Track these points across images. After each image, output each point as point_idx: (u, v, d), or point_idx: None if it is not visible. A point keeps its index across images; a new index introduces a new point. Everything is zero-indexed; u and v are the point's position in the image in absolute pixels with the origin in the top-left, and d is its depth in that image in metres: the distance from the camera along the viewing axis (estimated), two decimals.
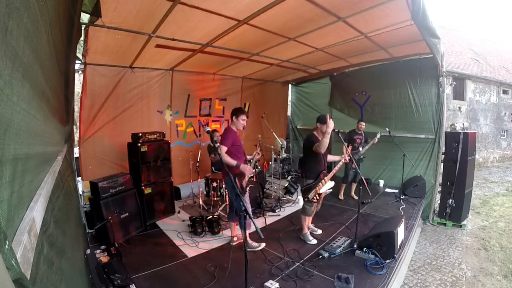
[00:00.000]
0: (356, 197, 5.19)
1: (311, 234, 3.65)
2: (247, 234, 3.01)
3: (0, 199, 0.57)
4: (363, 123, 5.05)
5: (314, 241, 3.47)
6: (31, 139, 1.00)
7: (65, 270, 1.25)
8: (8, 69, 0.61)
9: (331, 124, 3.06)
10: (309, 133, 3.47)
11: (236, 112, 3.17)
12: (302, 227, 3.56)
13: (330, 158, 3.48)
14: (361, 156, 4.94)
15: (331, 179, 3.34)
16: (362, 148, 4.93)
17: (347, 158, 3.34)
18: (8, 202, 0.63)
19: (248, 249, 2.97)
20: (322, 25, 3.46)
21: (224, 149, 3.01)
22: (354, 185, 5.30)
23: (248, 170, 3.09)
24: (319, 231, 3.77)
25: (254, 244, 3.30)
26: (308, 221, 3.59)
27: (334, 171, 3.31)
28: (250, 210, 3.11)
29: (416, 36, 3.62)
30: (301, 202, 4.88)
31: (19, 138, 0.78)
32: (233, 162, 3.02)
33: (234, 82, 6.36)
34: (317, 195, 3.25)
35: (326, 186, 3.29)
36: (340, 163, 3.34)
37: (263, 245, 3.31)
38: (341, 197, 5.19)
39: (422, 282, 3.29)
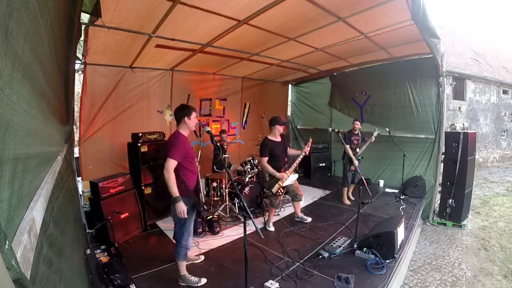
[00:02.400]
0: (353, 198, 5.11)
1: (301, 222, 4.08)
2: (184, 267, 2.63)
3: (0, 199, 0.57)
4: (358, 123, 4.85)
5: (272, 229, 3.86)
6: (31, 139, 1.00)
7: (64, 270, 1.25)
8: (8, 69, 0.61)
9: (284, 179, 3.57)
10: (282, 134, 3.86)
11: (187, 110, 2.49)
12: (269, 215, 3.94)
13: (291, 152, 3.81)
14: (359, 157, 4.72)
15: (296, 172, 3.78)
16: (360, 148, 4.75)
17: (307, 151, 3.67)
18: (8, 202, 0.63)
19: (184, 284, 2.59)
20: (322, 25, 3.46)
21: (171, 164, 2.31)
22: (352, 186, 5.16)
23: (182, 209, 2.34)
24: (309, 219, 4.12)
25: (194, 279, 2.61)
26: (274, 212, 3.99)
27: (294, 165, 3.66)
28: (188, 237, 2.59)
29: (416, 36, 3.62)
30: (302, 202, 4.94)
31: (19, 138, 0.78)
32: (175, 191, 2.33)
33: (234, 82, 6.36)
34: (281, 189, 3.62)
35: (290, 179, 3.63)
36: (300, 157, 3.66)
37: (203, 280, 2.63)
38: (346, 201, 4.98)
39: (422, 282, 3.29)
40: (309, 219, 4.12)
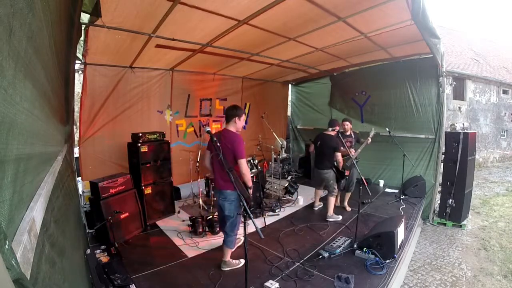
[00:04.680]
0: (349, 209, 4.59)
1: (302, 222, 4.16)
2: (230, 253, 2.93)
3: (2, 199, 0.57)
4: (348, 123, 4.47)
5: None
6: (34, 139, 1.00)
7: (67, 270, 1.26)
8: (11, 69, 0.61)
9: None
10: (319, 133, 4.40)
11: (239, 112, 2.78)
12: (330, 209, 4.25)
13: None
14: (354, 161, 3.99)
15: None
16: (355, 151, 4.39)
17: (369, 140, 4.35)
18: (10, 202, 0.63)
19: (227, 268, 2.87)
20: (322, 25, 3.46)
21: (245, 162, 2.65)
22: (348, 195, 4.66)
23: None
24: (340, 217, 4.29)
25: (235, 261, 2.96)
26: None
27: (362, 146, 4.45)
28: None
29: (416, 36, 3.62)
30: (302, 201, 4.93)
31: (23, 138, 0.78)
32: (250, 182, 2.69)
33: (234, 82, 6.36)
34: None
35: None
36: (366, 143, 4.41)
37: (242, 261, 2.96)
38: (338, 204, 4.73)
39: (422, 282, 3.29)
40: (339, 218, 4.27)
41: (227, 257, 2.92)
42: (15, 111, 0.66)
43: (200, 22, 3.09)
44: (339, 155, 4.02)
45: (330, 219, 4.17)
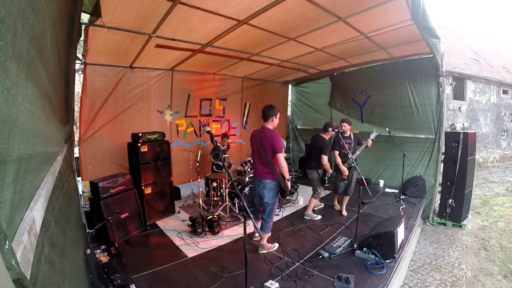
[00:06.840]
0: (345, 213, 4.41)
1: (303, 222, 4.20)
2: (266, 237, 3.28)
3: (3, 199, 0.57)
4: (345, 124, 4.17)
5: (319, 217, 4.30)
6: (35, 139, 1.00)
7: (67, 270, 1.25)
8: (14, 69, 0.61)
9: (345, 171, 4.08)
10: (314, 134, 4.32)
11: (275, 111, 3.08)
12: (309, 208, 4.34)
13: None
14: (352, 164, 3.88)
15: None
16: (353, 153, 4.02)
17: (369, 144, 4.08)
18: (11, 202, 0.63)
19: (264, 251, 3.23)
20: (322, 25, 3.46)
21: (283, 156, 3.01)
22: (346, 198, 4.42)
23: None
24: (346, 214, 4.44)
25: (271, 245, 3.32)
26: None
27: (357, 152, 4.19)
28: None
29: (416, 36, 3.62)
30: (302, 201, 4.93)
31: (24, 138, 0.78)
32: (288, 174, 3.04)
33: (234, 82, 6.36)
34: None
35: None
36: (362, 148, 4.18)
37: (276, 244, 3.36)
38: (337, 207, 4.63)
39: (422, 282, 3.29)
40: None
41: (264, 241, 3.24)
42: (17, 111, 0.66)
43: (200, 22, 3.09)
44: (325, 158, 3.96)
45: (307, 217, 4.28)
